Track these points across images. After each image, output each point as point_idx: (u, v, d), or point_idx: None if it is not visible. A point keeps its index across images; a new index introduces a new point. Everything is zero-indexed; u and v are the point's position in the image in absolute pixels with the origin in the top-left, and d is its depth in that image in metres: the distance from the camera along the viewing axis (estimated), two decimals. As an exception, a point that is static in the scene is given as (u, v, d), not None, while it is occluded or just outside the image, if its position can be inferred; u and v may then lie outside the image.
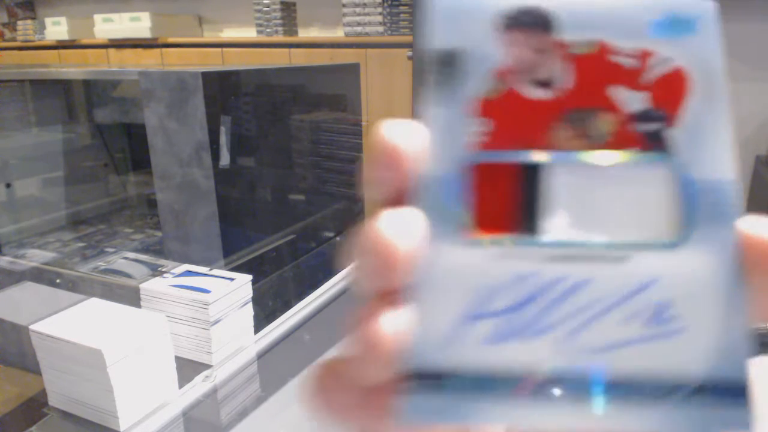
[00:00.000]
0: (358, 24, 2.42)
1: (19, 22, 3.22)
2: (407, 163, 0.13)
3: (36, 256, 1.03)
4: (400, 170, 0.13)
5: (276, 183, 1.08)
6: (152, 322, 0.60)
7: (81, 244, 1.11)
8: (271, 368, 0.73)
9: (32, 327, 0.58)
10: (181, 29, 2.91)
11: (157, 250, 1.06)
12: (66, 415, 0.60)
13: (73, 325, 0.58)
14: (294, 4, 2.70)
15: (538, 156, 0.13)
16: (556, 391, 0.12)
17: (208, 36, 3.06)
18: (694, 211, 0.13)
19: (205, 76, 0.86)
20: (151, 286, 0.69)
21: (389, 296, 0.13)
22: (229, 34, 3.03)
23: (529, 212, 0.13)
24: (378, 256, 0.12)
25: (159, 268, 0.90)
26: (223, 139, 0.90)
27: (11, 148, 1.18)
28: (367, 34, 2.42)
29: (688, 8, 0.14)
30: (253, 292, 0.74)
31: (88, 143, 1.31)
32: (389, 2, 2.36)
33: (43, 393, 0.61)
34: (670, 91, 0.14)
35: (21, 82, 1.21)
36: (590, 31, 0.14)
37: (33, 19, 3.32)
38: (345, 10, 2.43)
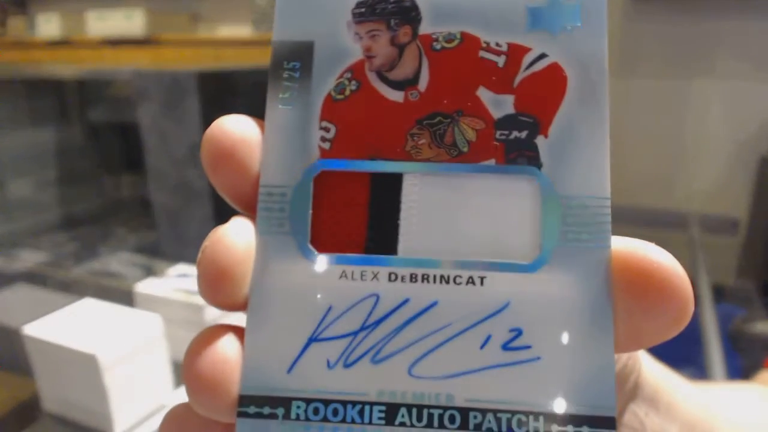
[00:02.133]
0: (354, 22, 2.42)
1: (10, 19, 3.19)
2: (237, 166, 0.12)
3: (29, 258, 1.02)
4: (230, 173, 0.12)
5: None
6: (147, 324, 0.59)
7: (75, 246, 1.10)
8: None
9: (25, 330, 0.57)
10: (175, 27, 2.89)
11: (152, 251, 1.05)
12: (59, 419, 0.60)
13: (66, 328, 0.57)
14: (289, 2, 2.70)
15: (390, 165, 0.12)
16: (405, 418, 0.11)
17: (203, 33, 3.05)
18: (559, 229, 0.11)
19: (200, 75, 0.85)
20: (145, 288, 0.69)
21: (232, 313, 0.12)
22: (225, 31, 3.01)
23: (378, 228, 0.12)
24: (203, 274, 0.11)
25: (154, 270, 0.89)
26: (219, 139, 0.89)
27: (3, 148, 1.17)
28: (362, 32, 2.42)
29: None
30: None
31: (81, 143, 1.30)
32: None
33: (36, 396, 0.61)
34: (543, 93, 0.12)
35: (12, 81, 1.20)
36: (456, 22, 0.12)
37: (24, 15, 3.29)
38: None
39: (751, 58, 1.90)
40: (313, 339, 0.11)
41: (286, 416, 0.11)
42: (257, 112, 0.13)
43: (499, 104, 0.12)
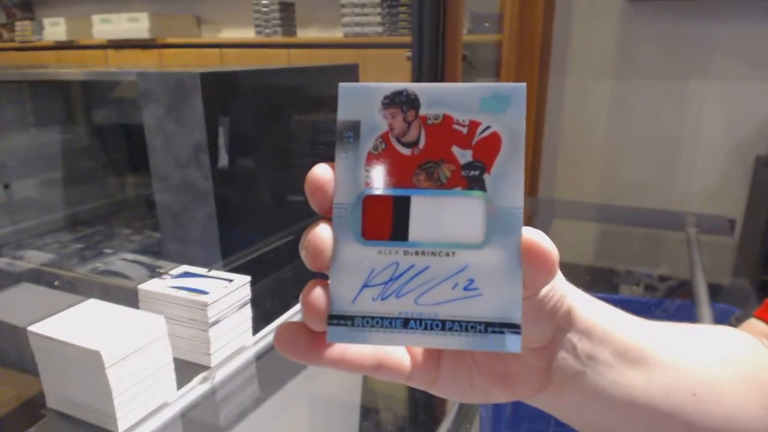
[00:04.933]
0: (357, 24, 2.42)
1: (17, 23, 3.21)
2: (324, 193, 0.21)
3: (34, 258, 1.03)
4: (320, 197, 0.21)
5: (274, 184, 1.08)
6: (151, 324, 0.60)
7: (79, 246, 1.11)
8: (270, 369, 0.73)
9: (30, 328, 0.58)
10: (179, 30, 2.91)
11: (156, 251, 1.06)
12: (64, 417, 0.60)
13: (71, 326, 0.58)
14: (293, 5, 2.70)
15: (403, 191, 0.21)
16: (413, 325, 0.20)
17: (207, 36, 3.06)
18: (495, 225, 0.20)
19: (204, 77, 0.86)
20: (149, 287, 0.69)
21: (320, 272, 0.21)
22: (228, 34, 3.02)
23: (397, 226, 0.21)
24: (307, 252, 0.20)
25: (157, 270, 0.90)
26: (222, 140, 0.89)
27: (9, 149, 1.18)
28: (365, 34, 2.42)
29: (505, 90, 0.20)
30: (252, 293, 0.74)
31: (86, 144, 1.31)
32: (388, 2, 2.36)
33: (41, 394, 0.61)
34: (488, 149, 0.20)
35: (19, 83, 1.21)
36: (440, 107, 0.21)
37: (31, 19, 3.31)
38: (344, 10, 2.43)
39: (747, 59, 1.89)
40: (365, 285, 0.21)
41: (352, 325, 0.21)
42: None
43: (464, 155, 0.21)
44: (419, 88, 0.21)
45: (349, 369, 0.23)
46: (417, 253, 0.20)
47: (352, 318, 0.20)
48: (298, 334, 0.22)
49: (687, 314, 0.94)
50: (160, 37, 2.79)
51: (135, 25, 2.77)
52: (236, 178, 0.96)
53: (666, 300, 1.15)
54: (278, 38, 2.64)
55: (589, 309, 0.25)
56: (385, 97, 0.21)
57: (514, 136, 0.20)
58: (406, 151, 0.21)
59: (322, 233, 0.20)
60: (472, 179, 0.20)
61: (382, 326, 0.20)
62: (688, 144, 2.03)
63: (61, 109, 1.29)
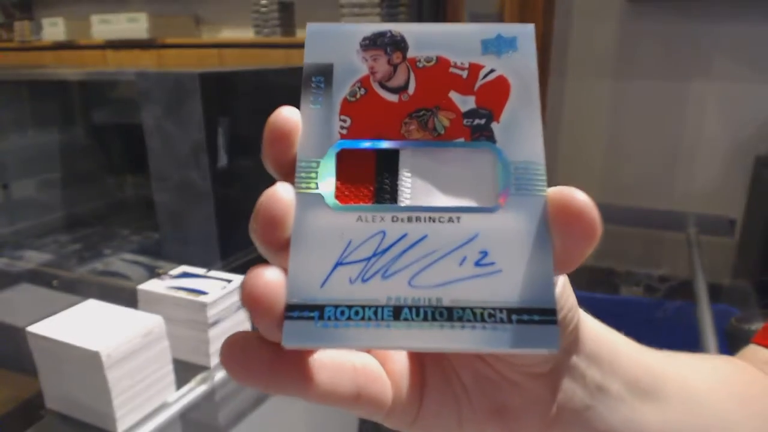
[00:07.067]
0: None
1: (16, 23, 3.21)
2: (287, 144, 0.16)
3: (33, 258, 1.03)
4: (282, 148, 0.16)
5: (273, 183, 1.08)
6: (150, 324, 0.60)
7: (78, 246, 1.11)
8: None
9: (29, 329, 0.58)
10: (178, 30, 2.90)
11: (155, 251, 1.06)
12: (63, 418, 0.60)
13: (70, 326, 0.58)
14: (292, 5, 2.70)
15: (388, 143, 0.17)
16: (408, 315, 0.15)
17: (206, 37, 3.06)
18: (510, 184, 0.16)
19: (203, 77, 0.86)
20: (148, 287, 0.69)
21: (276, 254, 0.16)
22: (227, 34, 3.02)
23: (383, 185, 0.17)
24: (259, 223, 0.15)
25: (156, 270, 0.90)
26: (221, 140, 0.89)
27: (8, 150, 1.18)
28: (365, 34, 2.42)
29: (511, 31, 0.18)
30: (251, 294, 0.73)
31: (85, 144, 1.31)
32: (387, 2, 2.36)
33: (39, 395, 0.61)
34: (494, 94, 0.17)
35: (18, 83, 1.21)
36: (433, 49, 0.18)
37: (30, 19, 3.31)
38: (343, 10, 2.43)
39: (747, 59, 1.89)
40: (338, 263, 0.16)
41: (321, 318, 0.15)
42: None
43: (465, 102, 0.17)
44: (406, 28, 0.18)
45: (322, 399, 0.17)
46: (410, 220, 0.16)
47: (320, 308, 0.15)
48: (255, 348, 0.16)
49: (687, 315, 0.94)
50: (159, 37, 2.79)
51: (134, 25, 2.77)
52: (235, 177, 0.95)
53: (666, 301, 1.15)
54: (277, 38, 2.64)
55: (596, 331, 0.21)
56: (365, 38, 0.18)
57: (525, 80, 0.17)
58: (392, 98, 0.17)
59: (281, 194, 0.16)
60: (477, 128, 0.17)
61: (363, 318, 0.15)
62: (688, 144, 2.03)
63: (59, 109, 1.29)
